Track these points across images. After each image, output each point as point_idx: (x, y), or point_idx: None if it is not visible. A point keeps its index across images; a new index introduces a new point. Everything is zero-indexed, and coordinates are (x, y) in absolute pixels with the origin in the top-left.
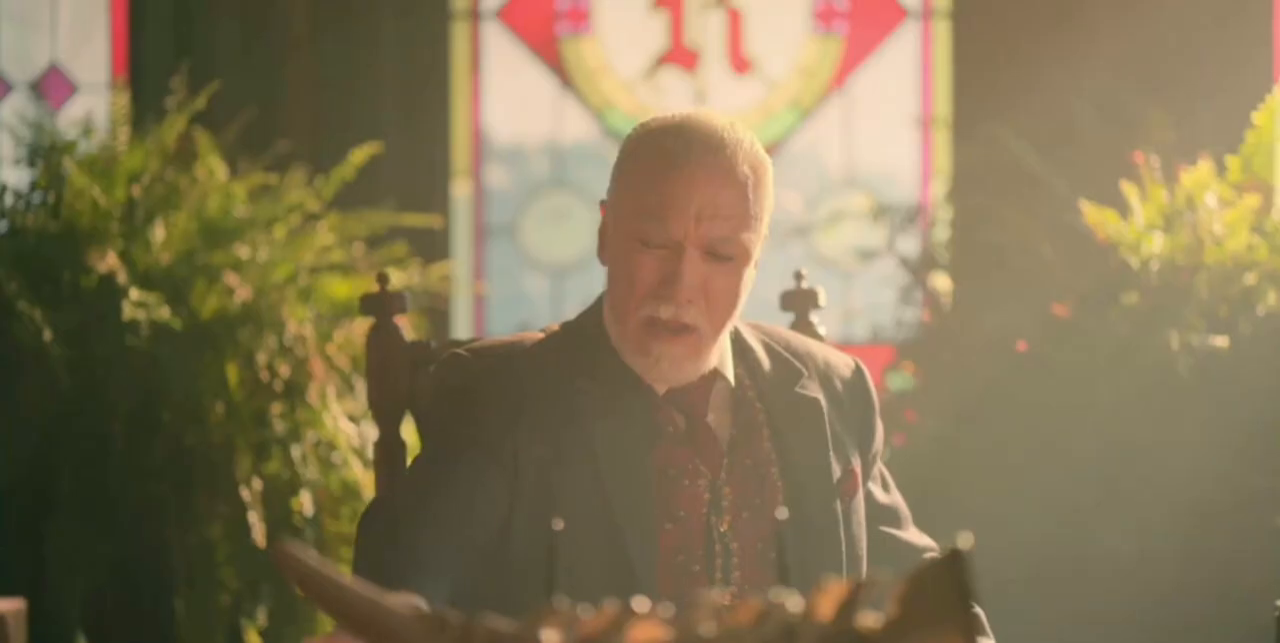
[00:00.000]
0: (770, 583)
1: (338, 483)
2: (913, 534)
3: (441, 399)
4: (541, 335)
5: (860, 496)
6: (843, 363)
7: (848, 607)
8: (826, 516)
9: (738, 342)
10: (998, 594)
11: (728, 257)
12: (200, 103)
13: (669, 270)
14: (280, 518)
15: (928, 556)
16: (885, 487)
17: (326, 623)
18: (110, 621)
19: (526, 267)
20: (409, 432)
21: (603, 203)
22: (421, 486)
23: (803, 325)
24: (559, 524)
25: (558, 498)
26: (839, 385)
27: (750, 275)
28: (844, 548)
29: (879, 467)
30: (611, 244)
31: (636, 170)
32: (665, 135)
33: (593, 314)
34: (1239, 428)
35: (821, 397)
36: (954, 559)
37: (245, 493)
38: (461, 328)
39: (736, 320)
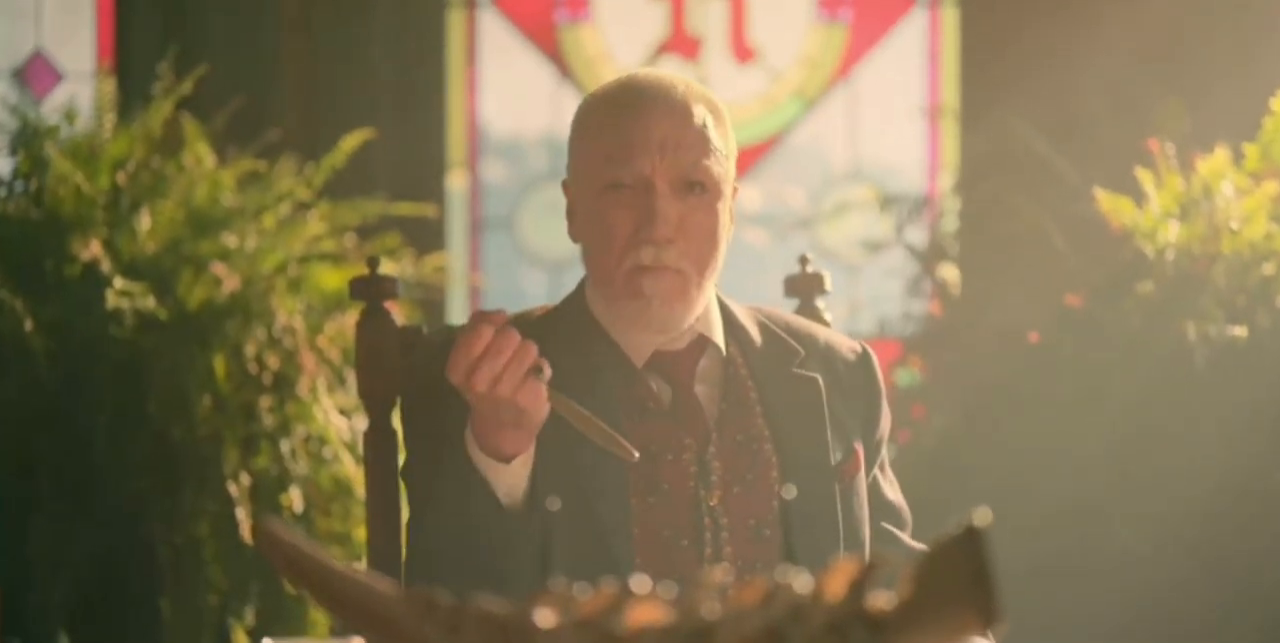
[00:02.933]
0: (763, 560)
1: (328, 479)
2: (910, 540)
3: (407, 395)
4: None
5: (862, 477)
6: (847, 347)
7: (858, 587)
8: (824, 496)
9: (729, 318)
10: (1008, 590)
11: (699, 183)
12: (187, 88)
13: (643, 212)
14: (269, 514)
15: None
16: (892, 485)
17: (318, 623)
18: (94, 620)
19: (524, 260)
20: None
21: (565, 184)
22: (411, 494)
23: (808, 311)
24: (555, 504)
25: (532, 478)
26: (841, 369)
27: (727, 220)
28: (842, 530)
29: (885, 460)
30: (580, 207)
31: (592, 127)
32: (614, 90)
33: (575, 297)
34: (1257, 421)
35: (820, 377)
36: (970, 536)
37: (233, 489)
38: (457, 321)
39: (719, 267)
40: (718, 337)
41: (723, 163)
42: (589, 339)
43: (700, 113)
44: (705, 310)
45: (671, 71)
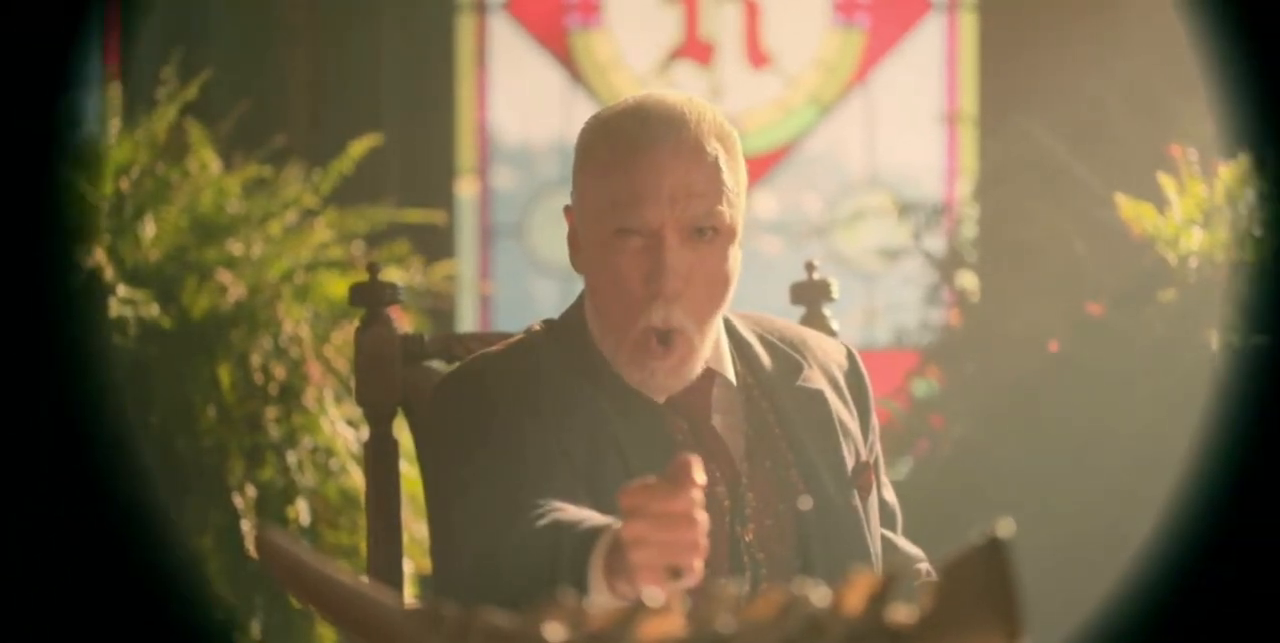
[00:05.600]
0: None
1: (335, 491)
2: (903, 540)
3: (423, 436)
4: (525, 339)
5: (875, 494)
6: (836, 349)
7: (878, 600)
8: (848, 512)
9: (733, 336)
10: (1029, 600)
11: (711, 229)
12: (192, 93)
13: (652, 263)
14: (273, 525)
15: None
16: (885, 485)
17: (325, 638)
18: None
19: (534, 268)
20: (401, 430)
21: (567, 209)
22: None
23: (815, 319)
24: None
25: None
26: (838, 373)
27: (737, 257)
28: (870, 547)
29: (880, 458)
30: (585, 245)
31: (599, 161)
32: (622, 120)
33: (575, 322)
34: None
35: (825, 387)
36: (993, 548)
37: (238, 501)
38: (465, 329)
39: (726, 309)
40: (728, 369)
41: (735, 202)
42: (606, 377)
43: (713, 150)
44: (715, 343)
45: (681, 93)
